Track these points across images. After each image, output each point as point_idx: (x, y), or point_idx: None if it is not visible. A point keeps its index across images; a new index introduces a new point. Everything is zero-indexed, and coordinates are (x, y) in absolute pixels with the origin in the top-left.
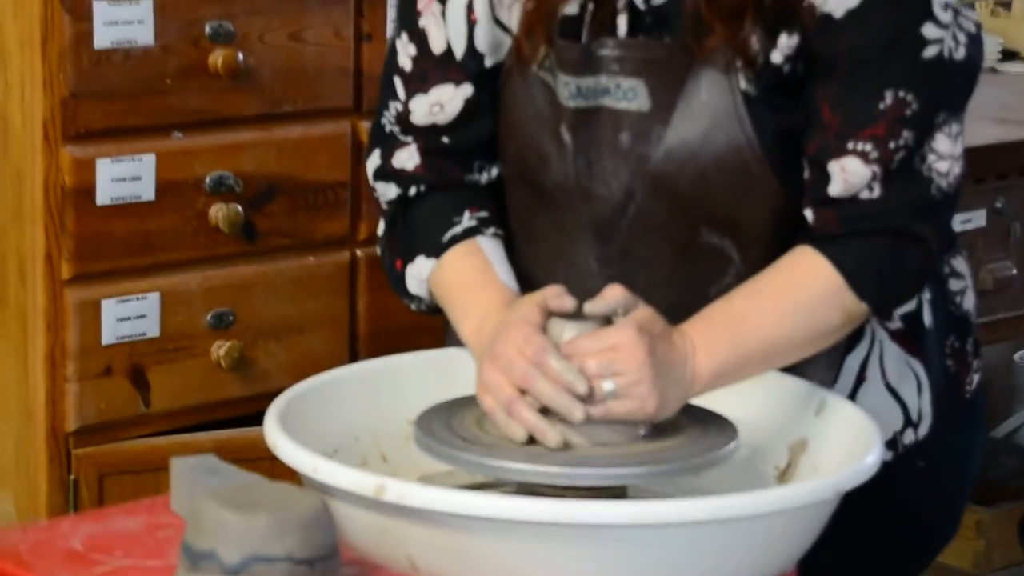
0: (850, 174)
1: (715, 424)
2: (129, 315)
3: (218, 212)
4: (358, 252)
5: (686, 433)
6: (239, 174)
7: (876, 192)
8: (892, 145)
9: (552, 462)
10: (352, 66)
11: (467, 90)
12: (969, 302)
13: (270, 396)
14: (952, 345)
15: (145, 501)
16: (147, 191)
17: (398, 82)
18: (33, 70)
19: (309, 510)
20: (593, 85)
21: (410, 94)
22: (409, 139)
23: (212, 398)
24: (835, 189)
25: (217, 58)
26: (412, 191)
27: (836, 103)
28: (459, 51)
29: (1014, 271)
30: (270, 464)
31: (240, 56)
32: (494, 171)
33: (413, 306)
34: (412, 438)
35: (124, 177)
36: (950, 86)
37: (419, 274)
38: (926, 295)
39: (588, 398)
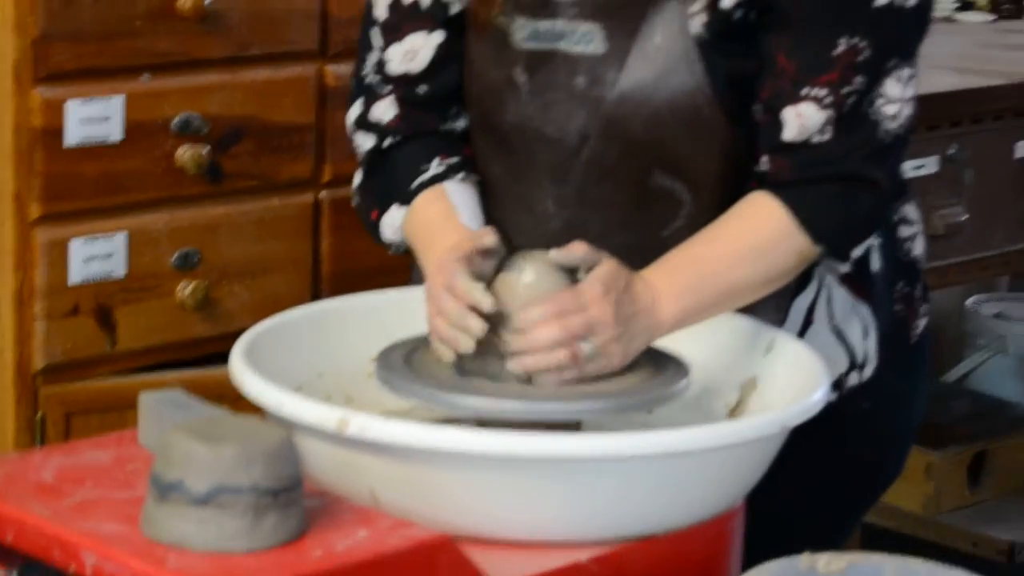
0: (805, 119)
1: (667, 362)
2: (96, 255)
3: (185, 153)
4: (322, 194)
5: (639, 371)
6: (206, 116)
7: (828, 136)
8: (845, 90)
9: (510, 397)
10: (318, 9)
11: (437, 37)
12: (918, 248)
13: (234, 336)
14: (901, 290)
15: (113, 435)
16: (115, 132)
17: (376, 33)
18: (4, 11)
19: (274, 442)
20: (550, 28)
21: (387, 43)
22: (388, 88)
23: (177, 337)
24: (790, 134)
25: (185, 1)
26: (387, 142)
27: (791, 50)
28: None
29: (965, 217)
30: (234, 403)
31: None
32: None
33: (392, 250)
34: (374, 375)
35: (93, 118)
36: (902, 32)
37: (393, 222)
38: (875, 241)
39: (571, 361)
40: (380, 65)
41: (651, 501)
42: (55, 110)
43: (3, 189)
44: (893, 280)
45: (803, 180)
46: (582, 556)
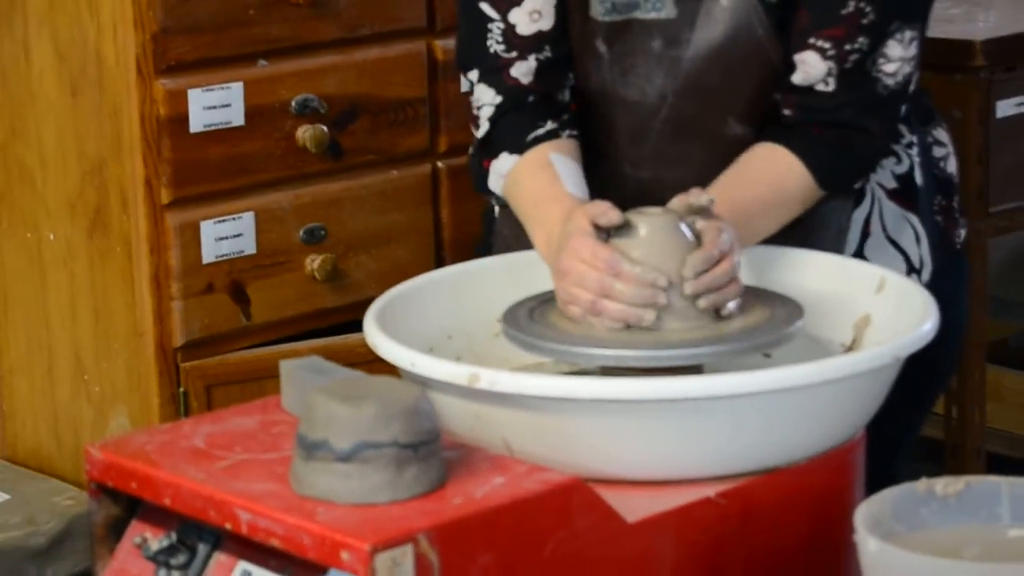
0: (809, 66)
1: (782, 304)
2: (227, 234)
3: (305, 133)
4: (439, 164)
5: (755, 313)
6: (323, 96)
7: (830, 86)
8: (847, 47)
9: (633, 346)
10: None
11: None
12: (952, 166)
13: (363, 305)
14: (939, 203)
15: (258, 402)
16: (237, 117)
17: (486, 6)
18: (124, 9)
19: (411, 399)
20: (624, 0)
21: (504, 11)
22: (514, 55)
23: (308, 309)
24: (796, 78)
25: None
26: (516, 101)
27: (808, 2)
28: None
29: None
30: (365, 369)
31: None
32: None
33: (493, 202)
34: (500, 334)
35: (215, 105)
36: (906, 1)
37: (500, 169)
38: (916, 159)
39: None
40: (507, 32)
41: (773, 435)
42: (178, 99)
43: (135, 177)
44: (932, 194)
45: (804, 122)
46: (709, 492)
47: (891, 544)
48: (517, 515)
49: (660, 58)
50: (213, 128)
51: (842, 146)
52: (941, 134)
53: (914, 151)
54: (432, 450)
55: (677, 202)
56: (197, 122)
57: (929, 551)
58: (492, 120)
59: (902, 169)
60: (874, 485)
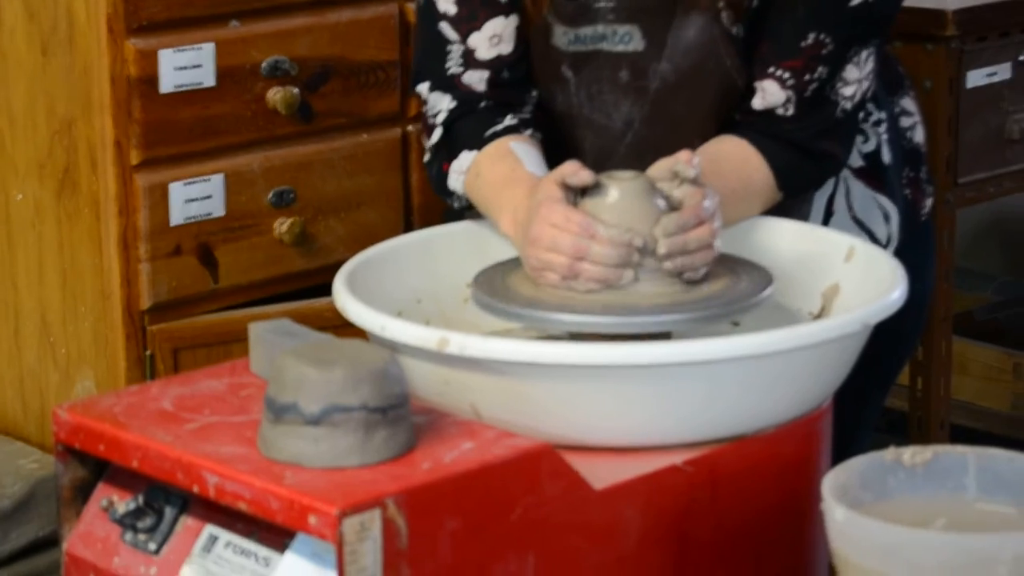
0: (768, 94)
1: (751, 272)
2: (195, 196)
3: (276, 95)
4: (409, 128)
5: (724, 280)
6: (294, 58)
7: (790, 111)
8: (807, 77)
9: (603, 312)
10: None
11: (515, 20)
12: (919, 135)
13: (332, 268)
14: (907, 175)
15: (227, 365)
16: (208, 78)
17: (446, 27)
18: None
19: (381, 362)
20: (591, 33)
21: (465, 34)
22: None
23: (277, 272)
24: (756, 103)
25: None
26: (471, 106)
27: (769, 32)
28: None
29: None
30: (334, 333)
31: None
32: None
33: (454, 203)
34: (471, 299)
35: (185, 66)
36: (866, 27)
37: (460, 167)
38: (884, 136)
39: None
40: (466, 55)
41: (741, 403)
42: (149, 59)
43: (104, 138)
44: (900, 168)
45: (767, 136)
46: (677, 459)
47: (858, 513)
48: (485, 481)
49: (627, 88)
50: (184, 89)
51: (801, 157)
52: (908, 103)
53: (882, 128)
54: (401, 414)
55: (662, 164)
56: (168, 83)
57: (896, 520)
58: (447, 124)
59: (869, 148)
60: (837, 455)
